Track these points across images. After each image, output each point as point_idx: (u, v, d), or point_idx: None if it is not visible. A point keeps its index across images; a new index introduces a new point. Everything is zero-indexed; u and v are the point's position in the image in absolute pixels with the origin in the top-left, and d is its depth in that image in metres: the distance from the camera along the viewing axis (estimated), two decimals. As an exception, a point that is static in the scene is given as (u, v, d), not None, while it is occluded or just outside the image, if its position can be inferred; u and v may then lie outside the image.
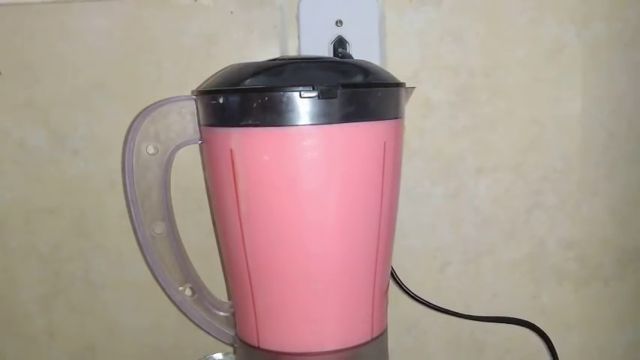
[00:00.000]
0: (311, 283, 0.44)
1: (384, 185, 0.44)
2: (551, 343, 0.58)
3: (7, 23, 0.56)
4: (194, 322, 0.51)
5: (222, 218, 0.46)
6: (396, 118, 0.45)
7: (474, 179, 0.59)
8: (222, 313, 0.51)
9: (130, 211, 0.48)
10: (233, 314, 0.50)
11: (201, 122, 0.45)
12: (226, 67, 0.46)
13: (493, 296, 0.61)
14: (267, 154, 0.42)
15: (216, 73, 0.47)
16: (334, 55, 0.55)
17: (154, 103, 0.46)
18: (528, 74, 0.57)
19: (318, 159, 0.42)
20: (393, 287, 0.49)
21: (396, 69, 0.51)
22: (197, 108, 0.46)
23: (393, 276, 0.55)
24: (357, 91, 0.42)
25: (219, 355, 0.55)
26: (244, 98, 0.41)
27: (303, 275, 0.44)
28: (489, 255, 0.61)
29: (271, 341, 0.45)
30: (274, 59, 0.45)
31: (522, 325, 0.58)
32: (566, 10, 0.57)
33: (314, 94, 0.40)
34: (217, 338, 0.51)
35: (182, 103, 0.46)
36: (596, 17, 0.57)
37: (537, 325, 0.58)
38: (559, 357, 0.58)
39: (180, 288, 0.50)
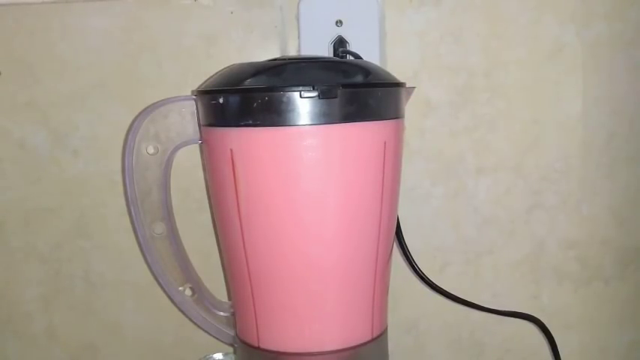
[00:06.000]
0: (311, 283, 0.44)
1: (384, 185, 0.44)
2: (553, 339, 0.58)
3: (7, 23, 0.56)
4: (194, 322, 0.51)
5: (222, 218, 0.46)
6: (396, 118, 0.45)
7: (474, 179, 0.59)
8: (222, 313, 0.51)
9: (130, 211, 0.48)
10: (233, 314, 0.50)
11: (201, 122, 0.45)
12: (226, 67, 0.46)
13: (493, 296, 0.61)
14: (268, 154, 0.42)
15: (216, 73, 0.47)
16: (334, 55, 0.55)
17: (154, 103, 0.46)
18: (528, 74, 0.57)
19: (318, 159, 0.42)
20: (393, 286, 0.49)
21: (396, 69, 0.50)
22: (197, 108, 0.46)
23: (414, 268, 0.54)
24: (358, 91, 0.42)
25: (219, 355, 0.55)
26: (244, 98, 0.41)
27: (303, 275, 0.44)
28: (489, 255, 0.61)
29: (271, 341, 0.45)
30: (274, 59, 0.45)
31: (526, 319, 0.58)
32: (566, 10, 0.57)
33: (314, 94, 0.40)
34: (217, 338, 0.51)
35: (182, 103, 0.46)
36: (596, 17, 0.57)
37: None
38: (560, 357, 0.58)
39: (180, 288, 0.50)
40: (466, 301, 0.56)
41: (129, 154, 0.46)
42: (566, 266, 0.61)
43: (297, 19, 0.55)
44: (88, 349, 0.62)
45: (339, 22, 0.55)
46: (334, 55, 0.55)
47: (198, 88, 0.46)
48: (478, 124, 0.58)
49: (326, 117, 0.41)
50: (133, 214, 0.47)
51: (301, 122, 0.41)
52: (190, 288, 0.50)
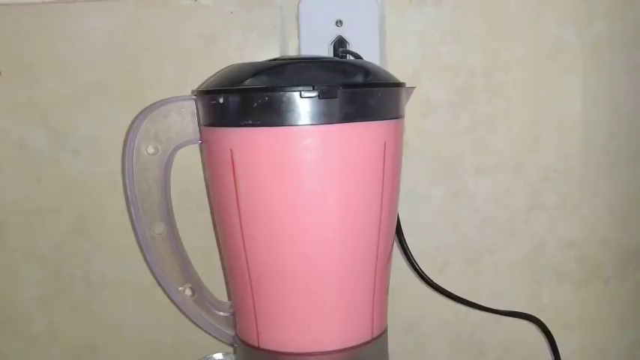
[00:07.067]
0: (311, 283, 0.44)
1: (384, 185, 0.44)
2: (553, 339, 0.58)
3: (7, 23, 0.56)
4: (194, 322, 0.51)
5: (222, 218, 0.46)
6: (396, 118, 0.45)
7: (474, 179, 0.59)
8: (222, 313, 0.51)
9: (130, 212, 0.48)
10: (233, 314, 0.50)
11: (201, 122, 0.45)
12: (226, 67, 0.46)
13: (493, 296, 0.61)
14: (268, 154, 0.42)
15: (216, 73, 0.47)
16: (334, 55, 0.55)
17: (154, 103, 0.46)
18: (528, 74, 0.57)
19: (318, 159, 0.42)
20: (393, 286, 0.49)
21: (396, 69, 0.50)
22: (197, 108, 0.46)
23: (414, 267, 0.54)
24: (357, 91, 0.42)
25: (219, 355, 0.55)
26: (244, 98, 0.41)
27: (303, 275, 0.44)
28: (489, 255, 0.61)
29: (271, 341, 0.45)
30: (274, 59, 0.45)
31: (526, 319, 0.58)
32: (566, 10, 0.57)
33: (314, 94, 0.40)
34: (217, 338, 0.51)
35: (182, 103, 0.46)
36: (596, 17, 0.57)
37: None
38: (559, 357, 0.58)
39: (180, 288, 0.50)
40: (466, 300, 0.56)
41: (129, 154, 0.46)
42: (566, 266, 0.61)
43: (297, 19, 0.55)
44: (88, 349, 0.62)
45: (339, 22, 0.55)
46: (334, 55, 0.55)
47: (198, 88, 0.46)
48: (478, 124, 0.58)
49: (326, 117, 0.41)
50: (133, 214, 0.47)
51: (301, 122, 0.41)
52: (190, 288, 0.50)
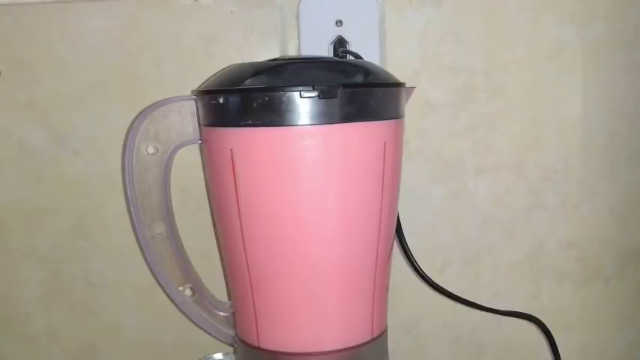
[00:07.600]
0: (311, 282, 0.44)
1: (384, 185, 0.44)
2: (553, 339, 0.58)
3: (7, 23, 0.56)
4: (194, 322, 0.51)
5: (222, 218, 0.46)
6: (396, 118, 0.45)
7: (474, 179, 0.59)
8: (222, 313, 0.51)
9: (130, 212, 0.48)
10: (233, 314, 0.50)
11: (201, 122, 0.45)
12: (226, 67, 0.46)
13: (493, 296, 0.61)
14: (268, 154, 0.42)
15: (216, 73, 0.47)
16: (334, 55, 0.55)
17: (154, 103, 0.46)
18: (528, 74, 0.57)
19: (318, 159, 0.42)
20: (393, 286, 0.49)
21: (396, 69, 0.51)
22: (197, 108, 0.46)
23: (415, 267, 0.54)
24: (357, 91, 0.42)
25: (219, 355, 0.55)
26: (244, 98, 0.41)
27: (303, 275, 0.44)
28: (489, 255, 0.61)
29: (271, 341, 0.45)
30: (274, 59, 0.45)
31: (526, 319, 0.58)
32: (566, 10, 0.57)
33: (314, 94, 0.40)
34: (217, 338, 0.51)
35: (182, 103, 0.46)
36: (596, 17, 0.57)
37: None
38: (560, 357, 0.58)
39: (180, 288, 0.50)
40: (466, 300, 0.56)
41: (129, 154, 0.46)
42: (566, 266, 0.61)
43: (297, 19, 0.55)
44: (88, 349, 0.62)
45: (339, 22, 0.55)
46: (334, 55, 0.55)
47: (198, 88, 0.46)
48: (478, 124, 0.58)
49: (326, 117, 0.41)
50: (133, 214, 0.47)
51: (301, 122, 0.41)
52: (190, 288, 0.50)
